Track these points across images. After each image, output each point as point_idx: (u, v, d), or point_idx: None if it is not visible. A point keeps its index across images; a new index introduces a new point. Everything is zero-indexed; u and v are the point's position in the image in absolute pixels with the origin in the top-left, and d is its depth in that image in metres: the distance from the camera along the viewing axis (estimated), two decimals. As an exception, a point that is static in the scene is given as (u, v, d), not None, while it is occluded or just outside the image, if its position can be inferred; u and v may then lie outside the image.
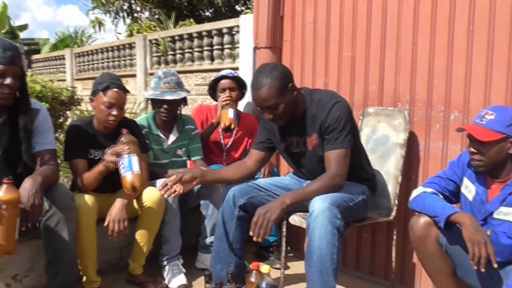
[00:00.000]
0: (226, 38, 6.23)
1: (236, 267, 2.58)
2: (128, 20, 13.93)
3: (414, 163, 2.82)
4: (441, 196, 2.19)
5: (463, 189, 2.22)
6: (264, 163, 2.74)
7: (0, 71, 2.15)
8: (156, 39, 7.46)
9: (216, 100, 3.42)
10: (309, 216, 2.20)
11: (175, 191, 2.33)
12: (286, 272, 2.89)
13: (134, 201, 2.69)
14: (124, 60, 8.61)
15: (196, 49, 6.74)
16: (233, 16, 10.73)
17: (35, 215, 2.09)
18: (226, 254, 2.59)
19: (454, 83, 2.62)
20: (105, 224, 2.50)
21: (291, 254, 3.40)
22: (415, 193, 2.27)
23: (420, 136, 2.79)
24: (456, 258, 2.13)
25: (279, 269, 2.76)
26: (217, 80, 3.38)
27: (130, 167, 2.40)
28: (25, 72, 2.33)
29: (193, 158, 3.25)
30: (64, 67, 10.85)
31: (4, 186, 1.96)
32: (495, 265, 1.89)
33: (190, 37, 6.85)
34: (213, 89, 3.43)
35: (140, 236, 2.71)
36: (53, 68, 11.52)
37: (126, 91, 2.70)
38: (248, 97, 3.41)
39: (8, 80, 2.17)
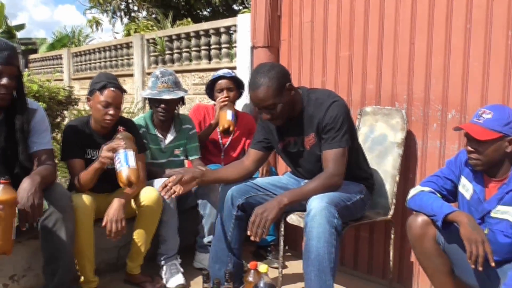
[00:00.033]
0: (224, 38, 6.22)
1: (234, 267, 2.58)
2: (125, 20, 13.92)
3: (411, 162, 2.82)
4: (439, 195, 2.19)
5: (460, 188, 2.22)
6: (262, 162, 2.74)
7: None
8: (154, 39, 7.45)
9: (214, 100, 3.42)
10: (306, 215, 2.19)
11: (174, 191, 2.32)
12: (284, 271, 2.89)
13: (132, 201, 2.69)
14: (122, 60, 8.60)
15: (193, 49, 6.73)
16: (231, 15, 10.73)
17: (35, 215, 2.09)
18: (224, 254, 2.59)
19: (452, 82, 2.63)
20: (103, 224, 2.49)
21: (289, 254, 3.40)
22: (412, 192, 2.27)
23: (417, 135, 2.79)
24: (454, 257, 2.13)
25: (277, 268, 2.76)
26: (214, 80, 3.37)
27: (126, 161, 2.38)
28: (21, 72, 2.32)
29: (190, 158, 3.25)
30: (61, 67, 10.83)
31: (1, 186, 1.96)
32: (493, 264, 1.90)
33: (188, 36, 6.84)
34: (210, 89, 3.43)
35: (138, 235, 2.71)
36: (50, 68, 11.49)
37: (123, 91, 2.70)
38: (246, 96, 3.40)
39: (4, 80, 2.16)
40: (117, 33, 14.89)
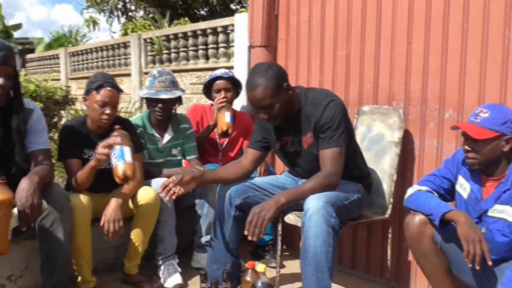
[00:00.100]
0: (221, 37, 6.22)
1: (232, 267, 2.58)
2: (122, 19, 13.90)
3: (409, 162, 2.82)
4: (436, 194, 2.20)
5: (458, 187, 2.22)
6: (260, 162, 2.74)
7: None
8: (151, 38, 7.44)
9: (211, 99, 3.41)
10: (304, 214, 2.19)
11: (174, 192, 2.32)
12: (282, 271, 2.89)
13: (130, 201, 2.68)
14: (119, 59, 8.58)
15: (191, 48, 6.72)
16: (228, 14, 10.73)
17: (35, 215, 2.08)
18: (222, 254, 2.59)
19: (449, 81, 2.63)
20: (101, 224, 2.49)
21: (287, 253, 3.40)
22: (410, 191, 2.27)
23: (415, 134, 2.79)
24: (451, 256, 2.13)
25: (274, 268, 2.76)
26: (212, 81, 3.37)
27: (122, 156, 2.36)
28: (18, 72, 2.32)
29: (188, 157, 3.24)
30: (58, 67, 10.81)
31: None
32: (490, 263, 1.90)
33: (185, 36, 6.83)
34: (208, 89, 3.43)
35: (135, 235, 2.71)
36: (47, 68, 11.47)
37: (119, 90, 2.69)
38: (243, 96, 3.40)
39: (0, 81, 2.16)
40: (114, 32, 14.90)
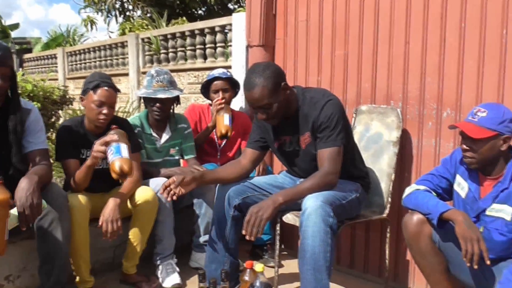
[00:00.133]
0: (219, 37, 6.22)
1: (230, 267, 2.58)
2: (120, 19, 13.87)
3: (407, 161, 2.83)
4: (434, 194, 2.20)
5: (455, 186, 2.22)
6: (259, 161, 2.74)
7: None
8: (149, 38, 7.44)
9: (209, 99, 3.41)
10: (301, 214, 2.19)
11: (174, 193, 2.32)
12: (280, 270, 2.89)
13: (128, 201, 2.68)
14: (117, 59, 8.58)
15: (188, 48, 6.72)
16: (226, 14, 10.71)
17: (34, 215, 2.08)
18: (221, 254, 2.59)
19: (446, 80, 2.63)
20: (99, 224, 2.48)
21: (285, 252, 3.41)
22: (408, 190, 2.27)
23: (413, 133, 2.79)
24: (449, 255, 2.14)
25: (273, 267, 2.76)
26: (210, 81, 3.36)
27: (118, 152, 2.35)
28: (15, 72, 2.31)
29: (186, 157, 3.24)
30: (56, 66, 10.79)
31: None
32: (488, 262, 1.90)
33: (183, 35, 6.83)
34: (205, 89, 3.42)
35: (134, 235, 2.70)
36: (45, 67, 11.46)
37: (116, 90, 2.69)
38: (241, 95, 3.40)
39: None
40: (112, 32, 14.90)
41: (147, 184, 2.78)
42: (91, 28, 14.64)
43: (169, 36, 7.09)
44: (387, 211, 2.72)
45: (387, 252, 2.76)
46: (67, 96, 4.56)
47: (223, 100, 3.24)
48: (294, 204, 2.34)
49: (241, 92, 3.33)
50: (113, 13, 13.79)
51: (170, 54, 7.08)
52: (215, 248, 2.60)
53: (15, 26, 18.90)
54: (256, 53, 3.48)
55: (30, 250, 2.50)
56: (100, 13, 14.05)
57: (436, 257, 2.16)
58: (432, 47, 2.67)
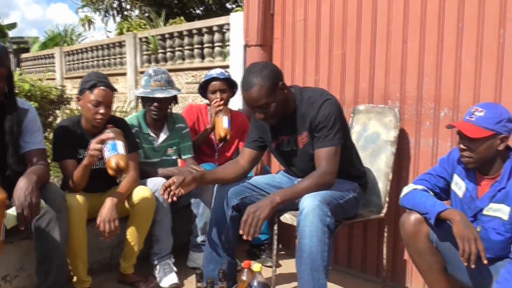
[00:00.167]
0: (217, 36, 6.21)
1: (228, 267, 2.58)
2: (118, 18, 13.88)
3: (404, 160, 2.83)
4: (432, 193, 2.20)
5: (453, 186, 2.23)
6: (257, 161, 2.74)
7: None
8: (146, 37, 7.43)
9: (207, 98, 3.40)
10: (299, 214, 2.19)
11: (174, 194, 2.31)
12: (278, 270, 2.89)
13: (125, 200, 2.68)
14: (114, 59, 8.56)
15: (186, 47, 6.71)
16: (224, 14, 10.73)
17: (33, 214, 2.08)
18: (219, 255, 2.59)
19: (444, 80, 2.63)
20: (97, 224, 2.48)
21: (283, 252, 3.40)
22: (405, 190, 2.27)
23: (410, 133, 2.80)
24: (447, 255, 2.14)
25: (270, 267, 2.76)
26: (207, 81, 3.36)
27: (115, 149, 2.35)
28: (12, 73, 2.30)
29: (184, 157, 3.24)
30: (53, 66, 10.77)
31: None
32: (485, 261, 1.91)
33: (181, 35, 6.82)
34: (203, 89, 3.42)
35: (131, 235, 2.70)
36: (42, 67, 11.43)
37: (113, 89, 2.69)
38: (239, 94, 3.39)
39: None
40: (109, 32, 14.88)
41: (144, 184, 2.77)
42: (89, 27, 14.68)
43: (167, 36, 7.08)
44: (384, 210, 2.72)
45: (384, 251, 2.76)
46: (65, 96, 4.55)
47: (222, 102, 3.23)
48: (291, 204, 2.34)
49: (239, 92, 3.33)
50: (111, 12, 13.80)
51: (168, 54, 7.08)
52: (213, 249, 2.60)
53: (13, 25, 18.87)
54: (254, 52, 3.48)
55: (28, 250, 2.50)
56: (97, 13, 14.06)
57: (434, 257, 2.16)
58: (430, 46, 2.67)
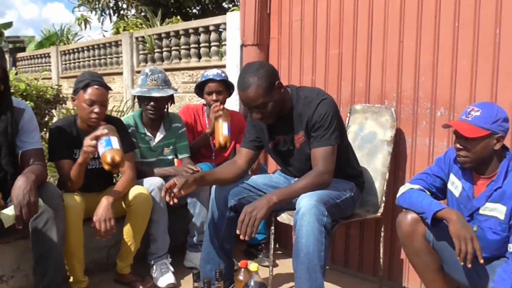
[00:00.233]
0: (213, 36, 6.21)
1: (225, 267, 2.58)
2: (114, 18, 13.83)
3: (401, 160, 2.83)
4: (428, 193, 2.20)
5: (449, 186, 2.23)
6: (254, 161, 2.73)
7: None
8: (143, 37, 7.42)
9: (203, 98, 3.38)
10: (296, 213, 2.19)
11: (175, 195, 2.31)
12: (275, 269, 2.89)
13: (122, 200, 2.67)
14: (111, 58, 8.56)
15: (183, 47, 6.71)
16: (220, 13, 10.71)
17: (31, 213, 2.07)
18: (216, 255, 2.59)
19: (440, 80, 2.64)
20: (93, 224, 2.47)
21: (280, 252, 3.40)
22: (402, 189, 2.28)
23: (407, 133, 2.80)
24: (443, 254, 2.14)
25: (267, 267, 2.76)
26: (204, 82, 3.34)
27: (109, 144, 2.34)
28: (8, 73, 2.29)
29: (180, 156, 3.23)
30: (49, 65, 10.75)
31: None
32: (481, 261, 1.91)
33: (177, 34, 6.82)
34: (199, 89, 3.41)
35: (128, 235, 2.70)
36: (38, 66, 11.42)
37: (107, 88, 2.67)
38: (236, 95, 3.39)
39: None
40: (106, 31, 14.86)
41: (141, 184, 2.77)
42: (85, 27, 14.61)
43: (163, 35, 7.08)
44: (381, 210, 2.72)
45: (381, 251, 2.76)
46: (61, 95, 4.52)
47: (221, 107, 3.18)
48: (288, 204, 2.34)
49: (235, 92, 3.32)
50: (107, 12, 13.75)
51: (164, 53, 7.07)
52: (210, 249, 2.59)
53: (9, 24, 18.78)
54: (251, 52, 3.47)
55: (24, 250, 2.49)
56: (94, 12, 14.01)
57: (430, 256, 2.16)
58: (426, 46, 2.67)
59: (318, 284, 2.13)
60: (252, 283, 2.01)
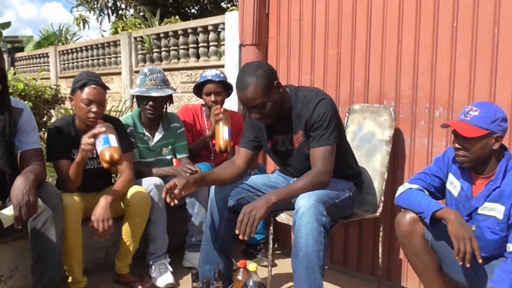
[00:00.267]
0: (212, 36, 6.20)
1: (224, 267, 2.58)
2: (112, 18, 13.80)
3: (399, 160, 2.83)
4: (427, 192, 2.20)
5: (448, 185, 2.23)
6: (253, 161, 2.73)
7: None
8: (141, 37, 7.40)
9: (201, 98, 3.38)
10: (295, 213, 2.19)
11: (175, 196, 2.30)
12: (274, 269, 2.89)
13: (120, 200, 2.67)
14: (109, 58, 8.54)
15: (181, 47, 6.69)
16: (219, 13, 10.69)
17: (30, 213, 2.07)
18: (215, 255, 2.59)
19: (439, 79, 2.64)
20: (91, 224, 2.47)
21: (279, 252, 3.41)
22: (400, 189, 2.28)
23: (405, 132, 2.80)
24: (442, 254, 2.14)
25: (266, 266, 2.76)
26: (202, 83, 3.33)
27: (107, 142, 2.35)
28: (6, 73, 2.29)
29: (179, 156, 3.23)
30: (48, 65, 10.73)
31: None
32: (480, 261, 1.91)
33: (176, 34, 6.80)
34: (198, 89, 3.40)
35: (126, 235, 2.70)
36: (36, 66, 11.39)
37: (105, 88, 2.67)
38: (234, 95, 3.38)
39: None
40: (104, 31, 14.85)
41: (139, 184, 2.77)
42: (84, 27, 14.56)
43: (162, 35, 7.06)
44: (380, 210, 2.72)
45: (380, 251, 2.77)
46: (59, 95, 4.52)
47: (222, 109, 3.17)
48: (287, 203, 2.34)
49: (234, 92, 3.31)
50: (106, 11, 13.72)
51: (163, 53, 7.06)
52: (209, 249, 2.59)
53: (7, 24, 18.76)
54: (249, 52, 3.47)
55: (23, 250, 2.49)
56: (92, 12, 13.98)
57: (429, 256, 2.17)
58: (425, 46, 2.67)
59: (317, 284, 2.13)
60: (251, 283, 2.01)
